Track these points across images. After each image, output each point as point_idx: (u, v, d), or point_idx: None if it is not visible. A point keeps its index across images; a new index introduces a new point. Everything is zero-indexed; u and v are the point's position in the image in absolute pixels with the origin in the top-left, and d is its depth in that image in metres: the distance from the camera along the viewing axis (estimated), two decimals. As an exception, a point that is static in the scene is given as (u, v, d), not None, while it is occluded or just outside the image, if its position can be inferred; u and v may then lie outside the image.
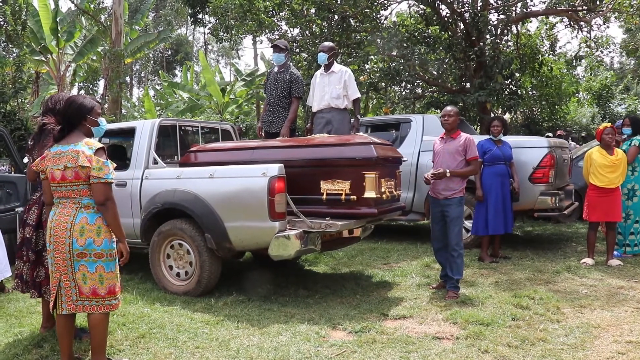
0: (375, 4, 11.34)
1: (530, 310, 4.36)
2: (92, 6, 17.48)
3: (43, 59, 16.56)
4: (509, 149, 6.39)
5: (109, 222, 3.16)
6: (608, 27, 12.86)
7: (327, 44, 6.41)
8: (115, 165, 3.28)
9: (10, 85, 11.44)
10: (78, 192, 3.14)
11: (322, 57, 6.22)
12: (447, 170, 4.79)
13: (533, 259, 6.36)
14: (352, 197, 4.55)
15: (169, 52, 41.75)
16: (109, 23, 17.69)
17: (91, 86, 18.45)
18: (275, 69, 6.46)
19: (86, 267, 3.11)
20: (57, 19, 15.68)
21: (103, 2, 19.77)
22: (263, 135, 6.55)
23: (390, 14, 13.20)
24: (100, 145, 3.18)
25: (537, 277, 5.51)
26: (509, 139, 6.63)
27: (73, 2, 17.28)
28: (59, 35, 15.87)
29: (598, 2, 10.66)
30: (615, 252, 6.26)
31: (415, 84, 12.43)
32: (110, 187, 3.16)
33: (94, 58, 18.53)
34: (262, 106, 6.37)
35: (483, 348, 3.55)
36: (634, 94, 22.81)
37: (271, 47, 6.51)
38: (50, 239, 3.16)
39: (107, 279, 3.16)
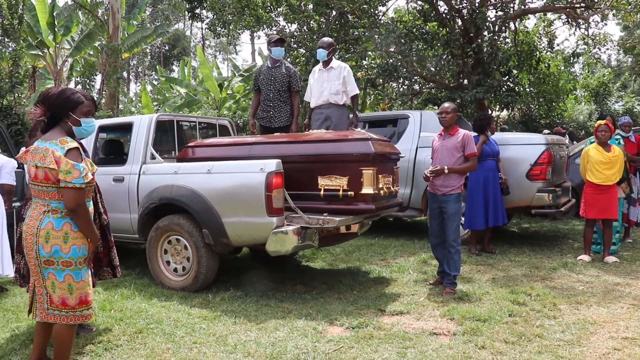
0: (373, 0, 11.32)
1: (527, 307, 4.37)
2: (89, 0, 17.42)
3: (40, 53, 16.49)
4: (496, 145, 6.48)
5: (81, 229, 2.94)
6: (606, 24, 12.83)
7: (326, 39, 6.39)
8: (95, 169, 3.09)
9: (6, 80, 11.38)
10: (47, 193, 2.91)
11: (322, 54, 6.20)
12: (446, 167, 4.80)
13: (530, 256, 6.38)
14: (349, 193, 4.55)
15: (167, 47, 41.62)
16: (106, 17, 17.62)
17: (88, 81, 18.40)
18: (269, 64, 6.43)
19: (55, 276, 2.91)
20: (54, 13, 15.62)
21: (100, -3, 19.68)
22: (255, 131, 6.49)
23: (388, 10, 13.19)
24: (75, 145, 2.91)
25: (533, 274, 5.52)
26: (505, 136, 6.68)
27: (70, -3, 17.20)
28: (56, 29, 15.81)
29: (596, 0, 10.66)
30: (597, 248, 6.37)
31: (413, 80, 12.43)
32: (81, 192, 2.88)
33: (91, 53, 18.48)
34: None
35: (480, 344, 3.56)
36: (631, 92, 22.85)
37: (276, 41, 6.40)
38: (23, 242, 3.01)
39: (77, 288, 2.95)
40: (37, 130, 3.05)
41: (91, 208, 3.15)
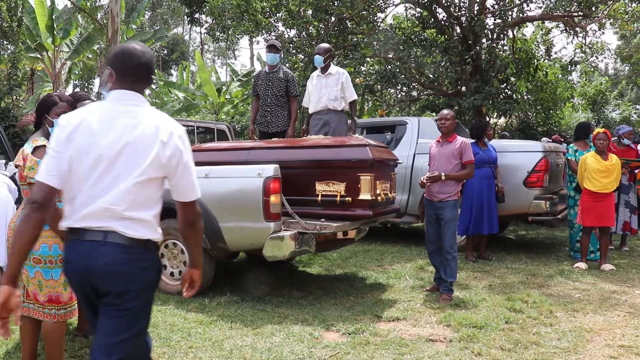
0: (372, 6, 11.36)
1: (523, 314, 4.37)
2: (88, 4, 17.44)
3: (38, 56, 16.50)
4: (494, 152, 6.48)
5: (50, 226, 2.81)
6: (603, 33, 12.93)
7: (323, 46, 6.39)
8: None
9: (5, 82, 11.39)
10: (24, 192, 3.02)
11: (318, 60, 6.20)
12: (443, 174, 4.81)
13: (526, 263, 6.38)
14: (347, 198, 4.55)
15: (165, 52, 41.63)
16: (105, 21, 17.61)
17: (86, 84, 18.41)
18: (266, 69, 6.46)
19: (27, 271, 2.95)
20: (53, 16, 15.64)
21: (99, 0, 19.73)
22: (255, 137, 6.50)
23: (387, 16, 13.20)
24: (43, 143, 2.94)
25: (530, 281, 5.53)
26: (503, 143, 6.70)
27: (69, 0, 17.22)
28: (55, 32, 15.83)
29: (594, 9, 10.72)
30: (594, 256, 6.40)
31: (411, 86, 12.45)
32: None
33: (90, 56, 18.50)
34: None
35: (476, 351, 3.56)
36: (627, 100, 22.94)
37: (267, 47, 6.46)
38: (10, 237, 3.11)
39: (47, 286, 2.96)
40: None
41: None
